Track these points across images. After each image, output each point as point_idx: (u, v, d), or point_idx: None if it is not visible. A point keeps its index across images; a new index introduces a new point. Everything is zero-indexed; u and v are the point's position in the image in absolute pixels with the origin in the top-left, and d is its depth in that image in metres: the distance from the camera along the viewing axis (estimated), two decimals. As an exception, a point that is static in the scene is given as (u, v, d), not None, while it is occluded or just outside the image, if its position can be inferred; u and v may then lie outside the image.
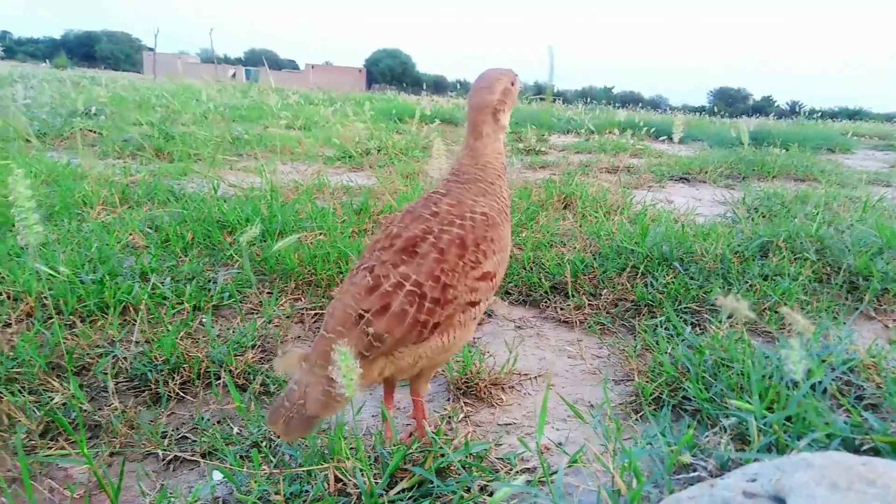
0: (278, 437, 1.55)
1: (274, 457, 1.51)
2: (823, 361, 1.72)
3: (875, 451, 1.22)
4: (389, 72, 74.14)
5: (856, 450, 1.24)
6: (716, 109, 26.03)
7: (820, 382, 1.60)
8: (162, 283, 2.44)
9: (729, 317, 2.23)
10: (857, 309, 2.48)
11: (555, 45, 2.65)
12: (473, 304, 1.39)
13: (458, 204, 1.45)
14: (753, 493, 0.85)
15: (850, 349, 1.83)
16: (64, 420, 1.34)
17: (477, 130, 1.52)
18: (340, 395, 1.26)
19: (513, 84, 1.55)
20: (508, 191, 1.57)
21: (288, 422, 1.28)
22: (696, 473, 1.23)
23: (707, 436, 1.39)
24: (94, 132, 6.78)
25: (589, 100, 24.06)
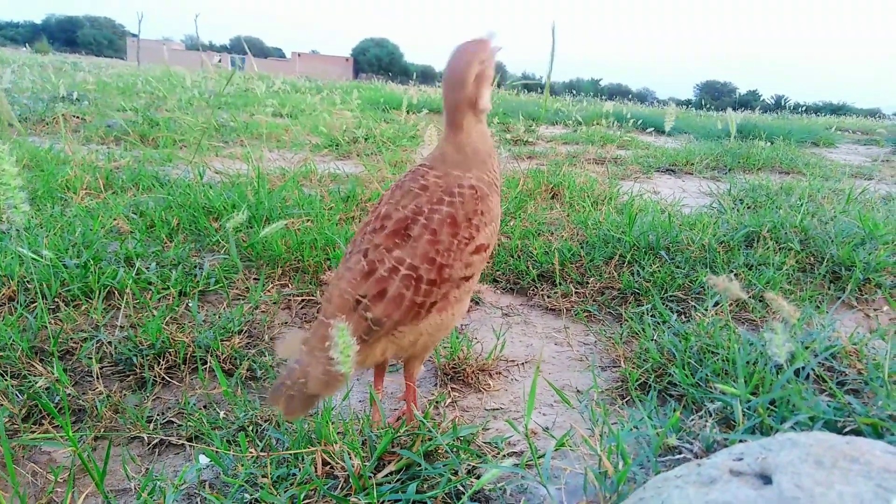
0: (283, 417, 1.54)
1: (261, 441, 1.51)
2: (807, 348, 1.74)
3: (857, 433, 1.24)
4: (377, 61, 73.71)
5: (838, 432, 1.26)
6: (702, 103, 26.16)
7: (803, 368, 1.62)
8: (147, 268, 2.41)
9: (715, 304, 2.25)
10: (839, 298, 2.52)
11: (554, 27, 2.63)
12: (468, 278, 1.39)
13: (444, 176, 1.41)
14: (740, 472, 0.86)
15: (833, 336, 1.85)
16: (49, 403, 1.33)
17: (457, 124, 1.44)
18: (340, 373, 1.26)
19: (484, 60, 1.41)
20: (499, 167, 1.54)
21: (290, 400, 1.28)
22: (682, 455, 1.24)
23: (693, 419, 1.41)
24: (78, 118, 6.68)
25: (576, 92, 24.05)
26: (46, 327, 1.98)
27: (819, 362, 1.70)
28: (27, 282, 2.22)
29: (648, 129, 9.12)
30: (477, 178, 1.43)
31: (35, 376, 1.73)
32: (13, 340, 1.84)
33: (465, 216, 1.36)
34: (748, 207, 4.05)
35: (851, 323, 2.34)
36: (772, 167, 6.47)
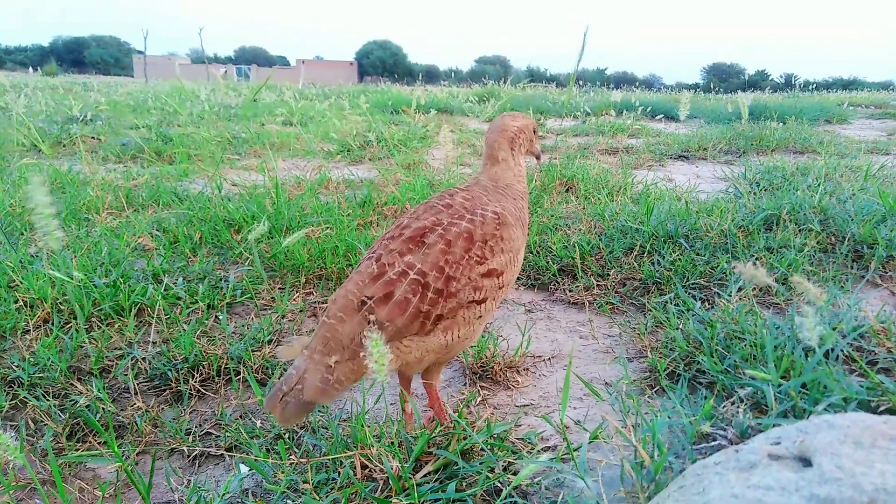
0: (278, 423, 1.55)
1: (298, 447, 1.54)
2: (834, 329, 1.74)
3: (891, 413, 1.25)
4: (381, 63, 73.83)
5: (872, 412, 1.27)
6: (710, 86, 25.93)
7: (832, 349, 1.62)
8: (174, 283, 2.46)
9: (739, 290, 2.25)
10: (863, 277, 2.50)
11: (588, 28, 2.65)
12: (479, 302, 1.40)
13: (472, 199, 1.49)
14: (779, 456, 0.87)
15: (860, 316, 1.85)
16: (95, 421, 1.36)
17: (493, 156, 1.61)
18: (339, 382, 1.29)
19: (535, 132, 1.69)
20: (528, 210, 1.63)
21: (284, 406, 1.28)
22: (717, 442, 1.25)
23: (724, 406, 1.42)
24: (93, 138, 6.78)
25: (583, 82, 23.92)
26: (82, 347, 2.03)
27: (848, 343, 1.70)
28: (60, 303, 2.27)
29: (658, 116, 9.06)
30: (503, 207, 1.50)
31: (75, 395, 1.78)
32: (52, 361, 1.89)
33: (482, 236, 1.40)
34: (765, 190, 4.03)
35: (877, 301, 2.33)
36: (786, 148, 6.42)
